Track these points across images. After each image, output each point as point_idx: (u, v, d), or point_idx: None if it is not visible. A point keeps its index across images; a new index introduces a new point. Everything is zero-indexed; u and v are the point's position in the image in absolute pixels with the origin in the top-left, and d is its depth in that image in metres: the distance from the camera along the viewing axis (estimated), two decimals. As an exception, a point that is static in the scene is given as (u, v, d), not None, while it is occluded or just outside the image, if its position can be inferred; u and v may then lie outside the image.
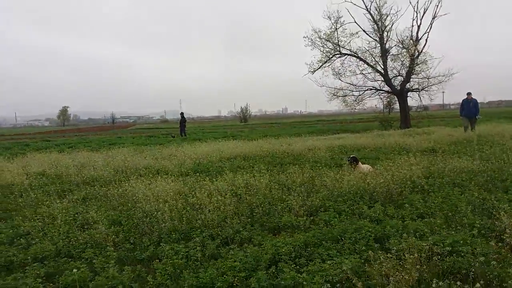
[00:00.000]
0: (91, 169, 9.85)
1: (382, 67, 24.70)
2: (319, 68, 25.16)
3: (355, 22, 24.64)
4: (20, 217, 5.80)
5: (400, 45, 24.42)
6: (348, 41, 24.75)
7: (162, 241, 4.48)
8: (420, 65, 24.01)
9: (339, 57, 25.17)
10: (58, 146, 21.93)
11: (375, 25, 24.34)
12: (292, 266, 3.45)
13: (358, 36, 24.66)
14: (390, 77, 24.90)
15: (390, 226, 4.25)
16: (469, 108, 16.58)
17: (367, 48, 24.85)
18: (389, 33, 24.60)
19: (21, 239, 4.75)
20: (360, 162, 8.33)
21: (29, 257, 4.09)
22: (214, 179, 7.27)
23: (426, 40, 23.79)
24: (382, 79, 24.90)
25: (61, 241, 4.50)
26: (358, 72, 25.10)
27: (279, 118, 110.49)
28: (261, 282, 3.11)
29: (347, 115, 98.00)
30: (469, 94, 16.68)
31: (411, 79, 24.48)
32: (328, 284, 3.03)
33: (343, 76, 25.12)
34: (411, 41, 24.14)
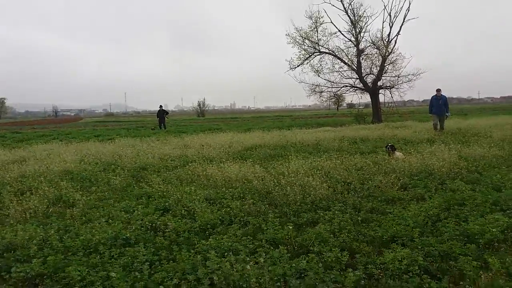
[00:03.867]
0: (133, 157, 10.06)
1: (356, 65, 26.50)
2: (299, 65, 26.50)
3: (332, 22, 26.35)
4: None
5: (373, 46, 26.34)
6: (327, 40, 26.30)
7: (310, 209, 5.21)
8: (391, 64, 26.11)
9: (318, 55, 26.65)
10: (40, 137, 20.94)
11: (352, 26, 26.02)
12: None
13: (337, 36, 26.26)
14: (363, 75, 26.78)
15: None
16: (439, 106, 15.52)
17: (343, 48, 26.55)
18: (363, 34, 26.45)
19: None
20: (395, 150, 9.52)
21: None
22: (287, 163, 8.02)
23: (395, 41, 25.98)
24: (357, 76, 26.70)
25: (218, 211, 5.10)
26: (335, 70, 26.72)
27: (233, 113, 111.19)
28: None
29: (296, 111, 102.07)
30: (438, 90, 15.64)
31: (382, 77, 26.53)
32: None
33: (321, 73, 26.63)
34: (382, 42, 26.13)
